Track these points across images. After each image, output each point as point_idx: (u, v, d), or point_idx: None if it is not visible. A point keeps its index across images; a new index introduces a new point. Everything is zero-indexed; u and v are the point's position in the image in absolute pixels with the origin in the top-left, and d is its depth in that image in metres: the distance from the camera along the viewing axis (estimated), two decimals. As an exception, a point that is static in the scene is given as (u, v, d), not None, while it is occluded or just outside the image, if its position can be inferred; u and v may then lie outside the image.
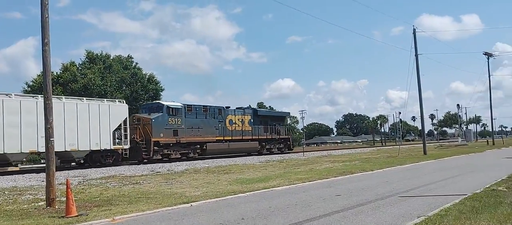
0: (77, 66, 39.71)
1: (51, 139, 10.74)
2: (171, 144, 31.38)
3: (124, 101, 30.05)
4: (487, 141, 64.43)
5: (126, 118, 28.55)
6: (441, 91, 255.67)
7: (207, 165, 25.45)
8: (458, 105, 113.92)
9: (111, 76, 38.00)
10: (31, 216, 9.44)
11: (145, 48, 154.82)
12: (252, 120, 39.11)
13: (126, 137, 28.19)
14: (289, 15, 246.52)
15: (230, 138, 36.10)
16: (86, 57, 40.71)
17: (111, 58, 41.47)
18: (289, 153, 41.94)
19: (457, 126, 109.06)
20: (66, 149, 24.74)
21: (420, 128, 65.64)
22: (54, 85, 37.43)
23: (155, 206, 10.42)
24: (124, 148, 28.25)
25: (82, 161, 27.43)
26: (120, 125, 28.03)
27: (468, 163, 22.76)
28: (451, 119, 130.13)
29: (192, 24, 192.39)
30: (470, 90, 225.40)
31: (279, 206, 9.91)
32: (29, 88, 36.48)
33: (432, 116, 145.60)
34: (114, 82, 37.56)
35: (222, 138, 35.31)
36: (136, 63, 42.27)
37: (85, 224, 8.50)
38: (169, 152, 31.45)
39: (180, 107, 32.48)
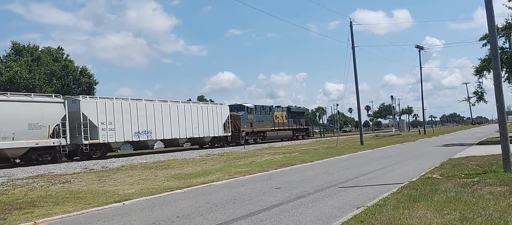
0: (1, 58, 37.01)
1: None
2: (249, 132, 44.61)
3: (225, 103, 43.93)
4: (419, 130, 67.47)
5: (228, 115, 41.97)
6: (375, 83, 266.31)
7: (144, 161, 24.55)
8: (392, 96, 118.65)
9: (39, 68, 35.69)
10: None
11: (79, 40, 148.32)
12: (287, 115, 52.40)
13: (228, 128, 41.91)
14: (228, 7, 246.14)
15: (277, 128, 49.71)
16: (12, 49, 37.97)
17: (40, 50, 38.98)
18: (307, 138, 56.77)
19: (391, 117, 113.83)
20: (200, 136, 38.08)
21: (357, 119, 67.71)
22: (-25, 78, 34.75)
23: (83, 206, 9.68)
24: (228, 135, 41.95)
25: (209, 144, 40.04)
26: (227, 120, 41.75)
27: (403, 152, 23.49)
28: (385, 110, 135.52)
29: (127, 15, 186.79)
30: (402, 82, 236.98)
31: (217, 201, 9.51)
32: None
33: (367, 108, 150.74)
34: (43, 75, 35.29)
35: (273, 128, 48.99)
36: (68, 55, 40.08)
37: (0, 230, 7.66)
38: (247, 138, 44.18)
39: (252, 107, 46.36)
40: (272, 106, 50.93)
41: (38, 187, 14.35)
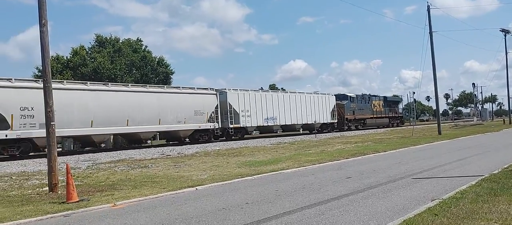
0: (87, 50, 39.54)
1: (51, 123, 10.47)
2: (351, 120, 48.58)
3: (331, 93, 47.57)
4: (504, 120, 63.15)
5: (334, 104, 46.15)
6: (455, 70, 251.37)
7: (218, 148, 25.19)
8: (473, 84, 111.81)
9: (120, 59, 37.69)
10: (32, 202, 9.22)
11: (157, 32, 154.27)
12: (383, 104, 56.13)
13: (335, 116, 46.13)
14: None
15: (375, 116, 53.38)
16: (96, 41, 40.42)
17: (121, 41, 41.12)
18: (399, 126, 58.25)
19: (472, 105, 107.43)
20: (312, 122, 42.44)
21: (434, 107, 65.08)
22: (64, 69, 37.43)
23: (159, 190, 10.15)
24: (335, 122, 46.18)
25: (318, 130, 42.75)
26: (333, 108, 45.82)
27: (485, 143, 22.13)
28: (466, 99, 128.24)
29: (201, 6, 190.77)
30: (485, 68, 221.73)
31: (286, 189, 9.55)
32: (39, 73, 36.37)
33: (446, 96, 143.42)
34: (124, 66, 37.26)
35: (371, 116, 52.53)
36: (146, 47, 41.98)
37: (84, 209, 8.23)
38: (350, 125, 48.44)
39: (354, 96, 50.56)
40: (371, 95, 55.16)
41: (119, 171, 15.23)
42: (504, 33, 51.14)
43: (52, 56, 39.46)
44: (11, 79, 22.80)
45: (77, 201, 8.95)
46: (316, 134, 38.52)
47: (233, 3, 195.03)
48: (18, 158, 22.17)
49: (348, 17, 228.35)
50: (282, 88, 78.00)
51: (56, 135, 10.99)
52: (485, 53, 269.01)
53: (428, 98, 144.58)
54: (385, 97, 58.22)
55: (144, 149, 26.92)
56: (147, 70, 39.38)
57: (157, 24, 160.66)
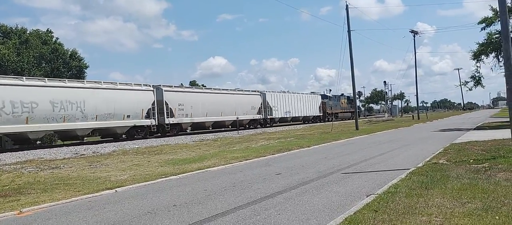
0: (-12, 41, 35.96)
1: None
2: (329, 113, 61.38)
3: (317, 93, 64.55)
4: (413, 116, 67.21)
5: (321, 102, 60.77)
6: (366, 69, 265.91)
7: (136, 146, 23.93)
8: (384, 82, 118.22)
9: (28, 51, 34.62)
10: None
11: (68, 25, 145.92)
12: (346, 101, 71.03)
13: (321, 110, 59.82)
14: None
15: (343, 111, 68.73)
16: (-1, 32, 36.96)
17: (28, 32, 37.79)
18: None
19: (383, 102, 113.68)
20: (307, 114, 56.67)
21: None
22: (-39, 61, 33.73)
23: (73, 194, 9.11)
24: (321, 115, 59.62)
25: (304, 122, 57.32)
26: (320, 104, 59.91)
27: (401, 137, 23.09)
28: (378, 96, 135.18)
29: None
30: (392, 67, 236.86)
31: (216, 189, 8.98)
32: None
33: (359, 93, 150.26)
34: (32, 58, 34.25)
35: (341, 111, 67.93)
36: (57, 38, 38.89)
37: (-18, 220, 7.08)
38: (329, 117, 58.64)
39: (331, 96, 65.89)
40: (340, 95, 70.15)
41: (26, 173, 13.74)
42: (413, 34, 54.36)
43: None
44: None
45: (-26, 210, 7.72)
46: (238, 131, 38.22)
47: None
48: None
49: (267, 15, 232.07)
50: (203, 84, 77.02)
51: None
52: (392, 54, 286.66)
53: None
54: (348, 97, 72.78)
55: (55, 149, 24.86)
56: (59, 63, 36.59)
57: (69, 17, 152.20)
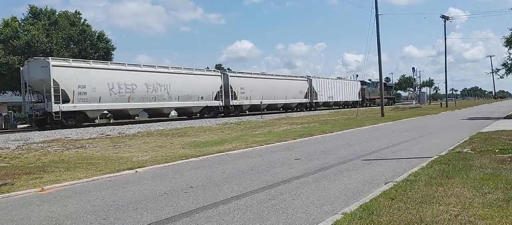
0: (19, 22, 36.65)
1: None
2: (368, 99, 66.89)
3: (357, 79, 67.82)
4: (441, 103, 65.83)
5: (360, 88, 64.61)
6: (395, 55, 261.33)
7: (161, 128, 24.21)
8: (413, 68, 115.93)
9: (57, 33, 35.25)
10: None
11: (97, 7, 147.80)
12: (384, 88, 67.00)
13: (360, 96, 64.21)
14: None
15: (379, 97, 61.07)
16: (29, 13, 37.54)
17: (57, 14, 38.43)
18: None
19: (411, 89, 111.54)
20: (347, 100, 60.02)
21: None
22: (-7, 42, 34.64)
23: (94, 173, 9.27)
24: (359, 100, 62.44)
25: (345, 106, 59.65)
26: (359, 90, 63.69)
27: (426, 125, 22.64)
28: (406, 82, 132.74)
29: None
30: (422, 54, 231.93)
31: (234, 172, 9.00)
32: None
33: (387, 79, 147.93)
34: (61, 40, 34.88)
35: (378, 97, 59.65)
36: (85, 20, 39.42)
37: (5, 195, 7.28)
38: (368, 103, 66.81)
39: (370, 82, 69.51)
40: (377, 81, 69.08)
41: (52, 151, 14.08)
42: (444, 19, 52.91)
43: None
44: None
45: (-2, 186, 7.95)
46: (262, 115, 38.30)
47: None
48: None
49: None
50: (228, 68, 77.26)
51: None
52: (422, 40, 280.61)
53: (370, 81, 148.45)
54: (385, 83, 72.92)
55: (82, 129, 25.43)
56: (86, 45, 37.19)
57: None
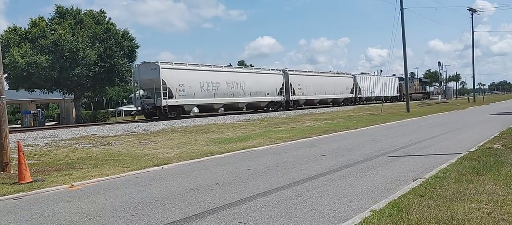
0: (47, 21, 37.46)
1: (1, 96, 9.50)
2: (404, 94, 54.91)
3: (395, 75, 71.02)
4: (468, 98, 64.56)
5: (398, 84, 66.29)
6: (420, 49, 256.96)
7: (185, 125, 24.40)
8: (439, 62, 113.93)
9: (82, 31, 35.94)
10: (-21, 183, 8.34)
11: (121, 5, 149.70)
12: (419, 83, 77.53)
13: (398, 91, 66.12)
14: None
15: (415, 92, 71.96)
16: (56, 12, 38.32)
17: (82, 13, 39.15)
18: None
19: (437, 84, 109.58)
20: (386, 95, 59.18)
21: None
22: (22, 41, 35.37)
23: (121, 169, 9.41)
24: (398, 95, 65.78)
25: (390, 100, 63.01)
26: (398, 86, 66.47)
27: (454, 120, 22.21)
28: (431, 77, 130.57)
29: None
30: (448, 48, 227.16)
31: (259, 168, 9.00)
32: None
33: (412, 74, 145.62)
34: (86, 38, 35.56)
35: (414, 92, 70.53)
36: (109, 18, 40.04)
37: (37, 191, 7.44)
38: (403, 98, 57.72)
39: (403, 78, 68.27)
40: (413, 77, 79.34)
41: (80, 148, 14.36)
42: (471, 12, 51.76)
43: (9, 28, 37.23)
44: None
45: (30, 182, 8.14)
46: (285, 112, 38.27)
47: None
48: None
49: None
50: (251, 65, 77.26)
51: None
52: (448, 33, 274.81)
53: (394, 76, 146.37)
54: (420, 79, 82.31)
55: (107, 125, 25.89)
56: (111, 43, 37.80)
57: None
